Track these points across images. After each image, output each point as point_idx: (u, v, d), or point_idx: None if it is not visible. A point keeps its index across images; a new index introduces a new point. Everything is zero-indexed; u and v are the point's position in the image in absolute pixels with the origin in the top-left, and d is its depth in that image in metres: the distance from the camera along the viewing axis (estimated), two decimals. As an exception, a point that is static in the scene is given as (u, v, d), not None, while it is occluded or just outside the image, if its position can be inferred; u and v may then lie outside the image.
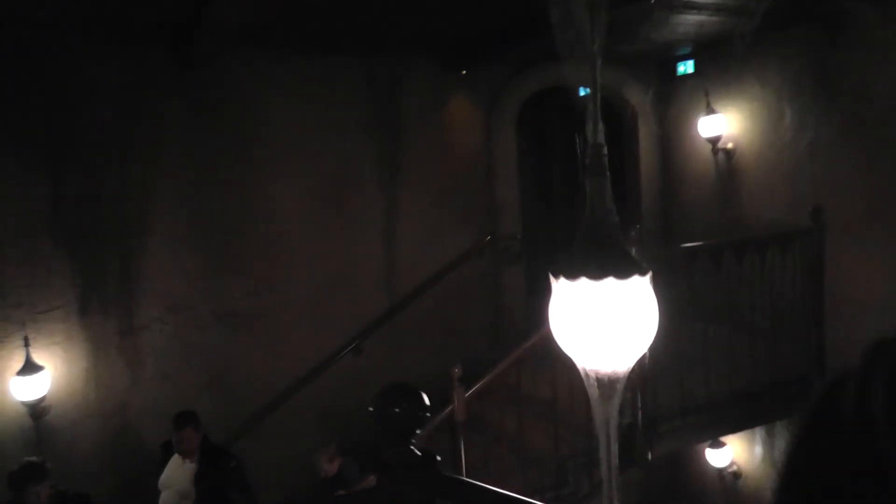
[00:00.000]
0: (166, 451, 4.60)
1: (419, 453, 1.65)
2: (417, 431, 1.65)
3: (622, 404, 4.60)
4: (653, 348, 4.81)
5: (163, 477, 4.51)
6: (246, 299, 5.44)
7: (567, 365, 2.42)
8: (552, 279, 2.47)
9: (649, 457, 4.72)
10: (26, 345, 4.71)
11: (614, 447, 2.90)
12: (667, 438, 4.86)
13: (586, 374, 2.72)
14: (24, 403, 4.76)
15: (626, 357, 2.74)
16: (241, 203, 5.40)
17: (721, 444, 6.17)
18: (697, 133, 6.11)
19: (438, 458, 1.68)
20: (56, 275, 4.92)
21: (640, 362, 4.55)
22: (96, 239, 5.01)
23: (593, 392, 2.78)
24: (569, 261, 2.58)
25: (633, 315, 2.64)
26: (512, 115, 6.22)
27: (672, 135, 6.63)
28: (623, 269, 2.56)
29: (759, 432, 6.06)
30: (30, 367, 4.71)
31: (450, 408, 4.11)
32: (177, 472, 4.46)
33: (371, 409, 1.67)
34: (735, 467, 6.26)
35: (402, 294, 5.89)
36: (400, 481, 1.60)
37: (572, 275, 2.52)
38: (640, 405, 4.63)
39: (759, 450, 6.10)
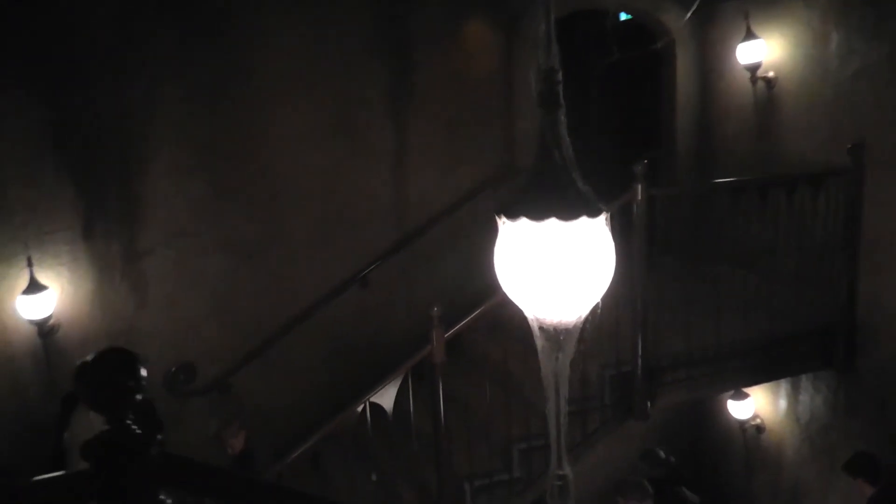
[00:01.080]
0: (68, 406, 4.25)
1: (137, 431, 1.47)
2: (137, 398, 1.47)
3: (622, 351, 4.35)
4: (657, 291, 4.50)
5: (70, 435, 4.12)
6: (249, 228, 5.39)
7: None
8: (497, 219, 2.25)
9: (649, 408, 4.49)
10: (29, 265, 4.81)
11: (563, 404, 2.70)
12: (670, 390, 4.60)
13: (532, 323, 2.51)
14: (31, 322, 4.89)
15: (574, 307, 2.50)
16: (243, 130, 5.28)
17: (744, 396, 5.85)
18: (736, 60, 5.59)
19: (160, 436, 1.50)
20: (60, 198, 4.97)
21: (643, 306, 4.31)
22: (98, 163, 5.01)
23: (540, 343, 2.57)
24: (514, 200, 2.34)
25: (582, 261, 2.38)
26: (535, 37, 5.82)
27: (711, 62, 6.10)
28: (569, 210, 2.30)
29: (784, 385, 5.71)
30: (34, 287, 4.82)
31: (427, 348, 3.96)
32: (92, 425, 4.17)
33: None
34: (758, 420, 5.94)
35: (412, 227, 5.73)
36: (113, 467, 1.43)
37: (513, 214, 2.30)
38: (639, 353, 4.38)
39: (783, 403, 5.75)
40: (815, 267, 4.92)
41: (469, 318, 4.09)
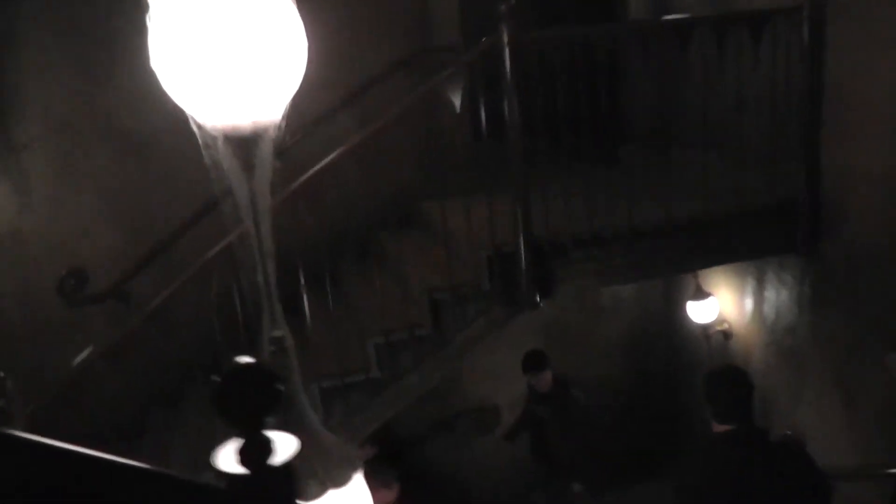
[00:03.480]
0: None
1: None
2: None
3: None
4: (538, 152, 3.78)
5: None
6: (135, 119, 4.93)
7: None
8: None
9: (538, 299, 3.82)
10: None
11: (267, 240, 2.20)
12: (569, 274, 3.91)
13: (203, 136, 2.01)
14: None
15: (247, 106, 1.96)
16: (118, 8, 4.80)
17: (704, 295, 5.07)
18: None
19: None
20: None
21: (523, 173, 3.64)
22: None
23: (217, 157, 2.07)
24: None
25: (241, 41, 1.85)
26: None
27: None
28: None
29: (750, 281, 4.90)
30: None
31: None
32: None
33: None
34: (726, 325, 5.14)
35: (315, 114, 5.14)
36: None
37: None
38: (521, 228, 3.70)
39: (749, 303, 4.94)
40: (769, 134, 4.08)
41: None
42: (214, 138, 1.84)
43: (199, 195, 4.99)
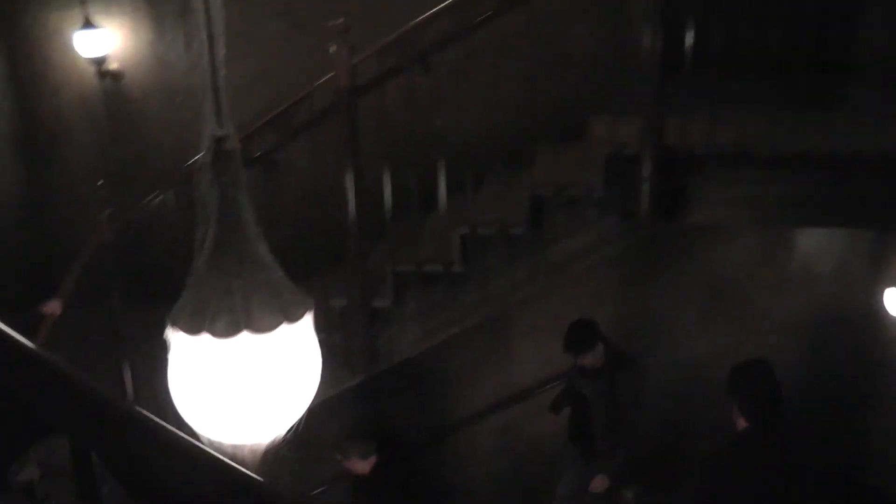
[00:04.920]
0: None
1: None
2: None
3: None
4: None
5: None
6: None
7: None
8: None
9: (655, 216, 3.12)
10: (82, 1, 4.90)
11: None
12: (703, 197, 3.16)
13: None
14: (89, 61, 5.02)
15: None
16: None
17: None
18: None
19: None
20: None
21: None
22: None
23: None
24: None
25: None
26: None
27: None
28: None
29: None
30: (88, 24, 4.92)
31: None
32: None
33: None
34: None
35: (480, 8, 4.72)
36: None
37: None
38: (647, 127, 3.03)
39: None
40: None
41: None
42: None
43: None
